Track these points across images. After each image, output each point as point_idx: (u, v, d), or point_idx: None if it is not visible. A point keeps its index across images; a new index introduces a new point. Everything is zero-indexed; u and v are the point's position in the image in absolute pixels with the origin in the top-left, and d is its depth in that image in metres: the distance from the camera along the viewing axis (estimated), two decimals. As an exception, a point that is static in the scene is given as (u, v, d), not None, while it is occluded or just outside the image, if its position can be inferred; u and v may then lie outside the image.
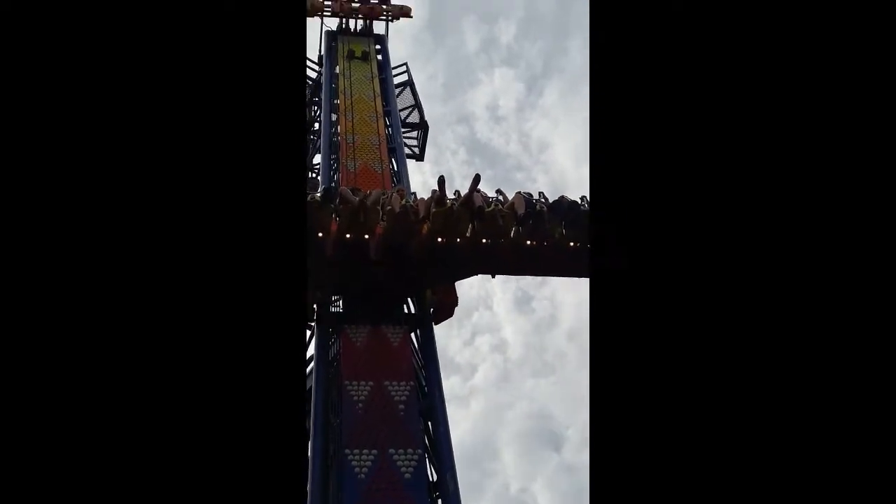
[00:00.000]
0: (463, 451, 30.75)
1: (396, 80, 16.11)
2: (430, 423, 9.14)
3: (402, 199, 9.40)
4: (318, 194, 9.31)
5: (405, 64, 16.70)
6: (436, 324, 9.75)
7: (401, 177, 13.74)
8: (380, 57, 16.25)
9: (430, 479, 8.43)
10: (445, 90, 42.69)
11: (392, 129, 14.79)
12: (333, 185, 10.93)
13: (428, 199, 9.41)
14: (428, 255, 9.42)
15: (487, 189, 9.69)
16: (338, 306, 9.90)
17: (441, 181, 9.26)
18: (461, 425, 33.22)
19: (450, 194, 9.50)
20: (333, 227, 9.27)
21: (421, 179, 40.48)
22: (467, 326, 34.50)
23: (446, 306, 9.66)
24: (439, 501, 8.31)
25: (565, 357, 36.53)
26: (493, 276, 9.59)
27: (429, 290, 9.62)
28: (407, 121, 16.11)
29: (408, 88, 16.21)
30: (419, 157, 16.64)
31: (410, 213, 9.24)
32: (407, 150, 15.78)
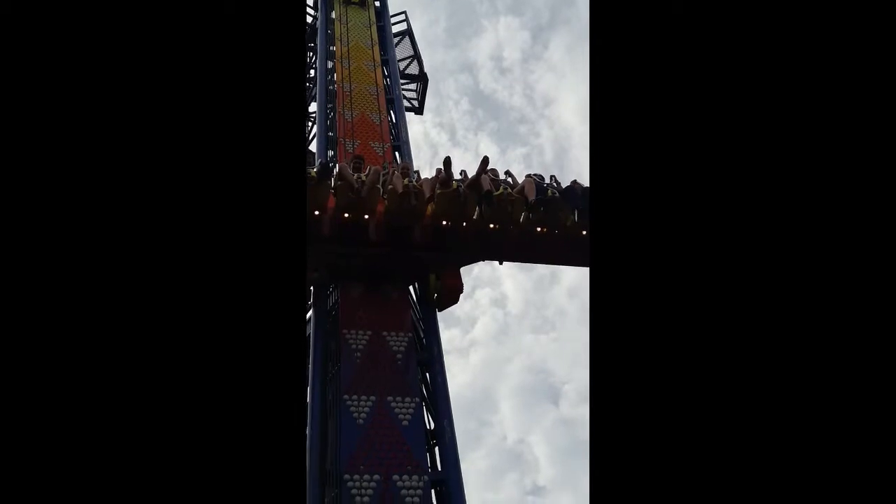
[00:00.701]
0: (462, 401, 31.19)
1: (395, 29, 15.26)
2: (427, 373, 9.09)
3: (404, 178, 8.81)
4: (315, 170, 8.69)
5: (404, 13, 15.84)
6: (440, 310, 9.34)
7: (399, 129, 13.28)
8: (378, 3, 15.29)
9: (428, 426, 8.51)
10: (448, 36, 41.16)
11: (390, 80, 14.17)
12: (332, 162, 10.27)
13: (432, 179, 8.82)
14: (431, 239, 8.92)
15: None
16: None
17: (447, 162, 8.67)
18: (460, 377, 33.64)
19: (455, 174, 8.92)
20: (330, 206, 8.71)
21: (422, 129, 39.28)
22: (468, 280, 34.39)
23: (451, 291, 9.20)
24: (436, 448, 8.40)
25: (565, 314, 36.55)
26: (501, 263, 9.13)
27: (433, 275, 9.14)
28: (406, 72, 15.37)
29: (406, 38, 15.42)
30: (418, 111, 15.98)
31: (413, 193, 8.68)
32: (406, 103, 15.15)
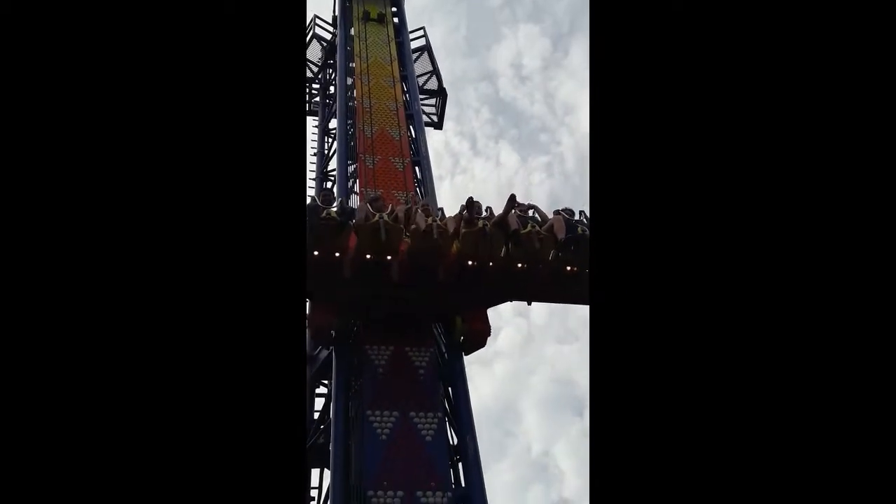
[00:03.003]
0: (486, 413, 30.97)
1: (413, 45, 14.95)
2: (450, 388, 8.96)
3: (427, 217, 8.47)
4: (334, 209, 8.38)
5: (423, 28, 15.56)
6: (466, 354, 9.00)
7: (419, 144, 13.12)
8: (396, 20, 15.03)
9: (451, 441, 8.43)
10: (467, 44, 40.68)
11: (409, 96, 13.93)
12: (350, 203, 9.98)
13: (456, 217, 8.48)
14: (457, 279, 8.58)
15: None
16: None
17: (470, 202, 8.33)
18: (484, 388, 33.35)
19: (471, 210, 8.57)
20: (351, 246, 8.41)
21: (442, 138, 38.71)
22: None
23: (478, 335, 8.87)
24: (460, 464, 8.33)
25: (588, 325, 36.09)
26: (529, 304, 8.76)
27: (458, 317, 8.82)
28: (425, 87, 15.07)
29: (425, 54, 15.13)
30: (438, 125, 15.66)
31: (437, 232, 8.33)
32: (425, 118, 14.87)
